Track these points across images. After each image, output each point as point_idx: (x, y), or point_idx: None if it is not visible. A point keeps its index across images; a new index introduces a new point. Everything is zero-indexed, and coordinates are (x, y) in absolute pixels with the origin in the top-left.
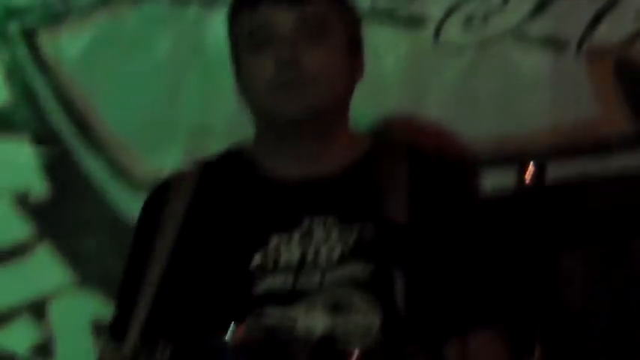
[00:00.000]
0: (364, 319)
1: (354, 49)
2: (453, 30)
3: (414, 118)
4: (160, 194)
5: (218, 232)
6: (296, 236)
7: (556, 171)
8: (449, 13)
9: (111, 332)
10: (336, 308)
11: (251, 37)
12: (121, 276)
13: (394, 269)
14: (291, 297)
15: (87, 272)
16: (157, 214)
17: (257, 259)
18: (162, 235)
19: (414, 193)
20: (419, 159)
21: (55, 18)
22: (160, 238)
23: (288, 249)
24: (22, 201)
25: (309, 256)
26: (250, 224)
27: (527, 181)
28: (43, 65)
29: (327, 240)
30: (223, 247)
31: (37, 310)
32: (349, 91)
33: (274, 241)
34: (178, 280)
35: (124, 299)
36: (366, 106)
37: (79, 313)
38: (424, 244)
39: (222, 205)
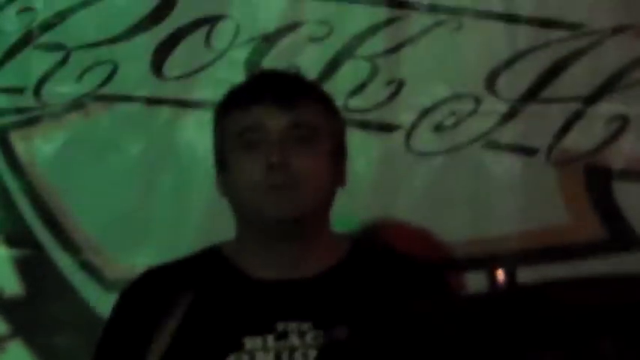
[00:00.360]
0: None
1: (338, 156)
2: (424, 136)
3: (397, 222)
4: (138, 290)
5: (193, 330)
6: (270, 340)
7: (526, 276)
8: (419, 120)
9: None
10: None
11: (241, 137)
12: None
13: None
14: None
15: None
16: (134, 308)
17: (232, 359)
18: (137, 330)
19: (389, 297)
20: (396, 263)
21: (29, 119)
22: (135, 334)
23: (262, 353)
24: None
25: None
26: (225, 325)
27: (498, 285)
28: (16, 166)
29: (301, 345)
30: (197, 347)
31: None
32: (332, 196)
33: (249, 344)
34: None
35: None
36: (338, 208)
37: None
38: (398, 349)
39: (199, 304)
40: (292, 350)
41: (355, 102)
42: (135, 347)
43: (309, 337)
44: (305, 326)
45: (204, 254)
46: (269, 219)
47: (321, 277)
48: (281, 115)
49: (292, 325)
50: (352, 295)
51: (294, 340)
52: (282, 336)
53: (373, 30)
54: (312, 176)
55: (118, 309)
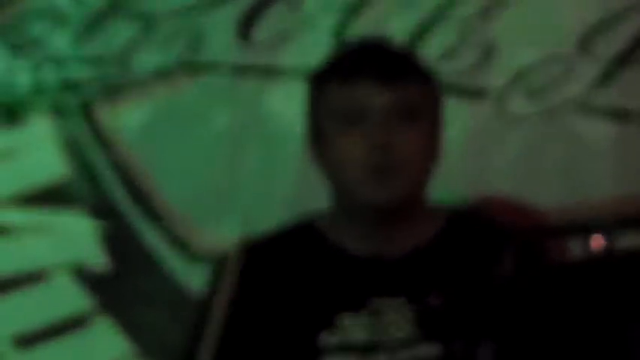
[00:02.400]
0: None
1: (438, 128)
2: (516, 100)
3: (494, 198)
4: (239, 266)
5: (289, 306)
6: (364, 317)
7: (623, 242)
8: (511, 84)
9: None
10: None
11: (343, 114)
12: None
13: (464, 349)
14: None
15: (146, 345)
16: (239, 287)
17: (326, 337)
18: (248, 310)
19: (484, 270)
20: (491, 234)
21: (114, 91)
22: (247, 313)
23: (357, 329)
24: (82, 274)
25: (378, 337)
26: (319, 301)
27: (596, 251)
28: (101, 139)
29: (396, 321)
30: (292, 322)
31: None
32: (432, 172)
33: (343, 321)
34: (251, 352)
35: None
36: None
37: None
38: (492, 320)
39: (295, 279)
40: (387, 327)
41: (446, 66)
42: (250, 327)
43: (403, 314)
44: (399, 302)
45: (299, 228)
46: (369, 202)
47: (416, 252)
48: (385, 93)
49: (386, 301)
50: (446, 269)
51: (389, 316)
52: (376, 312)
53: None
54: (415, 157)
55: (224, 290)
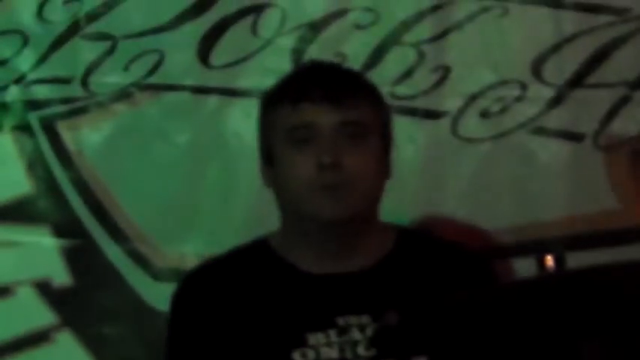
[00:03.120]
0: None
1: (387, 147)
2: (471, 122)
3: (442, 217)
4: (194, 286)
5: (256, 325)
6: (333, 335)
7: (575, 261)
8: (466, 106)
9: None
10: None
11: (291, 134)
12: None
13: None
14: None
15: (108, 358)
16: (193, 307)
17: (298, 353)
18: (200, 328)
19: (437, 285)
20: (442, 251)
21: (76, 110)
22: (198, 331)
23: (326, 347)
24: (45, 289)
25: (348, 354)
26: (286, 320)
27: (547, 271)
28: (63, 156)
29: (362, 339)
30: (262, 340)
31: None
32: (382, 190)
33: (312, 340)
34: None
35: None
36: (385, 195)
37: None
38: (450, 335)
39: (256, 300)
40: (354, 344)
41: (401, 89)
42: (201, 347)
43: (369, 331)
44: (364, 319)
45: (253, 247)
46: (322, 219)
47: (373, 268)
48: (332, 113)
49: (352, 319)
50: (404, 285)
51: (356, 334)
52: (344, 331)
53: (419, 17)
54: (364, 174)
55: (177, 312)
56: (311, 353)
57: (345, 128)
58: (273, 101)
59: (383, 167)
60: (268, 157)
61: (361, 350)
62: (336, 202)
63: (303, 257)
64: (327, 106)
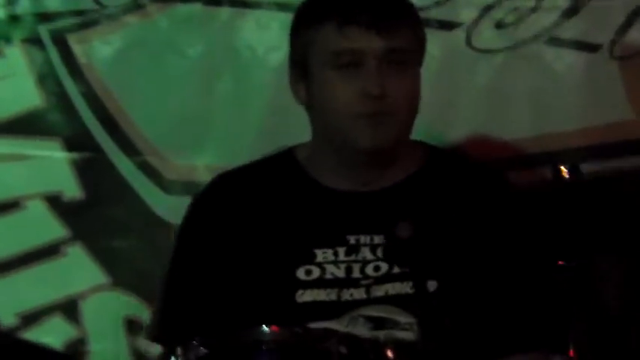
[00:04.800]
0: (406, 335)
1: (421, 67)
2: (485, 33)
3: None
4: (212, 195)
5: (266, 237)
6: (341, 253)
7: (591, 172)
8: (480, 18)
9: (156, 333)
10: (378, 324)
11: (335, 57)
12: (168, 275)
13: (435, 286)
14: (334, 310)
15: (119, 272)
16: (208, 215)
17: (303, 270)
18: (213, 236)
19: (458, 203)
20: (465, 168)
21: (87, 22)
22: (210, 239)
23: (333, 265)
24: (56, 202)
25: (355, 273)
26: (297, 234)
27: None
28: (74, 69)
29: (372, 258)
30: (269, 253)
31: (70, 309)
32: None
33: (320, 256)
34: (224, 280)
35: (172, 299)
36: None
37: (112, 312)
38: (461, 252)
39: (270, 210)
40: (364, 264)
41: (415, 0)
42: (211, 255)
43: (380, 251)
44: (377, 239)
45: (278, 158)
46: (360, 147)
47: (395, 188)
48: (379, 39)
49: (364, 238)
50: (423, 204)
51: (366, 253)
52: (354, 249)
53: None
54: (407, 103)
55: (191, 217)
56: (316, 271)
57: (390, 56)
58: (316, 18)
59: (419, 92)
60: (304, 73)
61: (370, 270)
62: (378, 132)
63: (329, 174)
64: (374, 33)
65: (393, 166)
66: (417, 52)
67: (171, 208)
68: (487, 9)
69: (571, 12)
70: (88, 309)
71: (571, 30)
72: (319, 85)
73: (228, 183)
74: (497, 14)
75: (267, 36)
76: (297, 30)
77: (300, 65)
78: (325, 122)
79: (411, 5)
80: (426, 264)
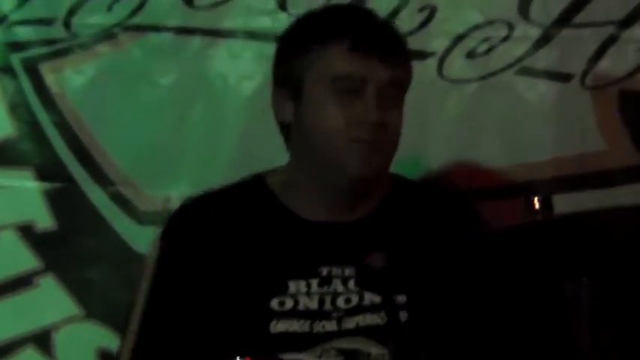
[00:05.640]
0: None
1: None
2: (457, 63)
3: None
4: (182, 223)
5: (239, 267)
6: (314, 285)
7: (561, 203)
8: (451, 47)
9: None
10: (350, 356)
11: (336, 81)
12: (144, 306)
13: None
14: (307, 341)
15: (92, 303)
16: (179, 244)
17: (276, 301)
18: (185, 265)
19: (426, 230)
20: (432, 196)
21: (59, 51)
22: (183, 268)
23: (306, 296)
24: (28, 233)
25: (327, 305)
26: (270, 265)
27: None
28: (47, 98)
29: (343, 290)
30: (243, 284)
31: (42, 340)
32: None
33: (292, 287)
34: (197, 311)
35: (146, 330)
36: None
37: (85, 343)
38: (433, 287)
39: (245, 239)
40: (335, 296)
41: None
42: (185, 285)
43: (351, 283)
44: (348, 271)
45: (248, 184)
46: (349, 174)
47: (367, 219)
48: (384, 69)
49: (336, 270)
50: (393, 234)
51: (338, 285)
52: (326, 281)
53: None
54: (398, 134)
55: (165, 246)
56: (290, 302)
57: (393, 87)
58: (320, 39)
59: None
60: (294, 92)
61: (341, 302)
62: (370, 159)
63: (303, 203)
64: (380, 61)
65: (368, 197)
66: (409, 83)
67: (145, 240)
68: (458, 39)
69: (542, 42)
70: (60, 340)
71: (542, 60)
72: (313, 105)
73: (199, 209)
74: (469, 44)
75: (239, 65)
76: (293, 48)
77: (292, 84)
78: (313, 144)
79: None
80: (398, 294)
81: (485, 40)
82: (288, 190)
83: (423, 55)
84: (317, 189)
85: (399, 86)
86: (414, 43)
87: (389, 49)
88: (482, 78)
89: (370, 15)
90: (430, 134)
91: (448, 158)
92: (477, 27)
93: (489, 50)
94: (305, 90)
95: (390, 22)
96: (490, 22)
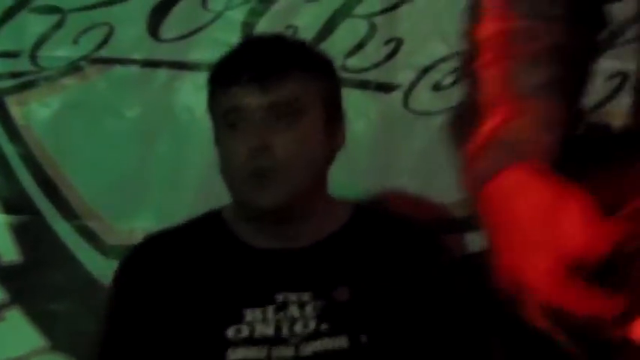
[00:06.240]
0: None
1: (332, 119)
2: (423, 95)
3: (394, 190)
4: (139, 256)
5: (195, 298)
6: (270, 312)
7: None
8: (418, 79)
9: None
10: None
11: (225, 118)
12: (99, 339)
13: (367, 342)
14: None
15: (58, 335)
16: (136, 276)
17: (232, 331)
18: (141, 298)
19: (388, 262)
20: (394, 227)
21: (24, 84)
22: (139, 301)
23: (262, 323)
24: None
25: (284, 331)
26: (225, 294)
27: None
28: (12, 131)
29: (301, 316)
30: (199, 314)
31: None
32: (327, 165)
33: (249, 316)
34: (154, 341)
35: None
36: (336, 170)
37: None
38: (396, 312)
39: (197, 271)
40: (293, 321)
41: (353, 62)
42: (140, 318)
43: (309, 308)
44: (305, 296)
45: (205, 219)
46: (253, 207)
47: (319, 245)
48: (260, 95)
49: (292, 296)
50: (351, 261)
51: (294, 311)
52: (282, 307)
53: None
54: (298, 156)
55: (119, 280)
56: (245, 330)
57: (274, 109)
58: (210, 84)
59: (326, 142)
60: (215, 137)
61: (299, 328)
62: (266, 190)
63: (250, 232)
64: (254, 89)
65: (313, 223)
66: (310, 101)
67: (111, 272)
68: (424, 71)
69: None
70: None
71: None
72: (219, 145)
73: (156, 245)
74: (435, 76)
75: (205, 97)
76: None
77: (213, 130)
78: (227, 183)
79: (304, 57)
80: (362, 322)
81: (452, 72)
82: (237, 222)
83: (389, 88)
84: (252, 221)
85: (288, 107)
86: (380, 75)
87: (263, 76)
88: (448, 110)
89: (254, 45)
90: (396, 166)
91: (414, 189)
92: (442, 59)
93: (455, 83)
94: (215, 133)
95: (281, 46)
96: (456, 55)
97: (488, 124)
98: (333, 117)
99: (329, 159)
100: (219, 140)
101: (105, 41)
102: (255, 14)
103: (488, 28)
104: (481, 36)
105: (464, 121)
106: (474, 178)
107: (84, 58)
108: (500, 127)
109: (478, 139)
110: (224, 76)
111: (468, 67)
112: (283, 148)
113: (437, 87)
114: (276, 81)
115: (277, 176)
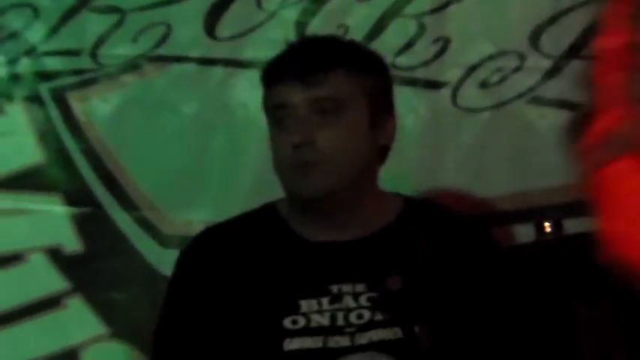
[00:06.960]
0: None
1: (378, 114)
2: (470, 92)
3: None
4: (199, 247)
5: (252, 289)
6: (325, 303)
7: (572, 228)
8: (465, 77)
9: None
10: None
11: (272, 114)
12: (157, 327)
13: (420, 332)
14: (321, 357)
15: (118, 323)
16: (195, 266)
17: (289, 320)
18: (200, 288)
19: (440, 254)
20: (445, 220)
21: (86, 81)
22: (197, 291)
23: (318, 314)
24: (56, 255)
25: (339, 321)
26: (281, 287)
27: (545, 237)
28: (74, 126)
29: (355, 307)
30: (256, 306)
31: (70, 359)
32: (374, 159)
33: (304, 306)
34: (212, 332)
35: (160, 351)
36: (386, 165)
37: None
38: (448, 303)
39: (253, 264)
40: (347, 312)
41: (402, 60)
42: (198, 307)
43: (363, 298)
44: (359, 287)
45: (261, 212)
46: (298, 197)
47: (372, 237)
48: (303, 92)
49: (346, 287)
50: (403, 253)
51: (349, 301)
52: (337, 298)
53: None
54: (340, 150)
55: (179, 269)
56: (302, 320)
57: (316, 105)
58: (262, 79)
59: (370, 137)
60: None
61: (353, 318)
62: (308, 179)
63: (303, 226)
64: (296, 85)
65: (363, 215)
66: (351, 97)
67: (169, 262)
68: (472, 69)
69: (553, 72)
70: (87, 359)
71: (553, 90)
72: (270, 140)
73: (214, 236)
74: (482, 74)
75: (260, 94)
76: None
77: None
78: (277, 175)
79: (348, 55)
80: (415, 312)
81: (498, 70)
82: (292, 216)
83: (437, 85)
84: (304, 214)
85: (331, 103)
86: (428, 73)
87: (306, 73)
88: (495, 107)
89: (302, 43)
90: (444, 161)
91: (462, 184)
92: (489, 58)
93: (502, 80)
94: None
95: (327, 44)
96: (502, 53)
97: (604, 122)
98: (380, 113)
99: (376, 153)
100: (269, 134)
101: (163, 40)
102: (308, 14)
103: (611, 40)
104: (604, 47)
105: (585, 119)
106: (590, 166)
107: (143, 56)
108: (614, 125)
109: (594, 134)
110: (272, 75)
111: (592, 74)
112: (325, 143)
113: (484, 84)
114: (317, 78)
115: (319, 167)
